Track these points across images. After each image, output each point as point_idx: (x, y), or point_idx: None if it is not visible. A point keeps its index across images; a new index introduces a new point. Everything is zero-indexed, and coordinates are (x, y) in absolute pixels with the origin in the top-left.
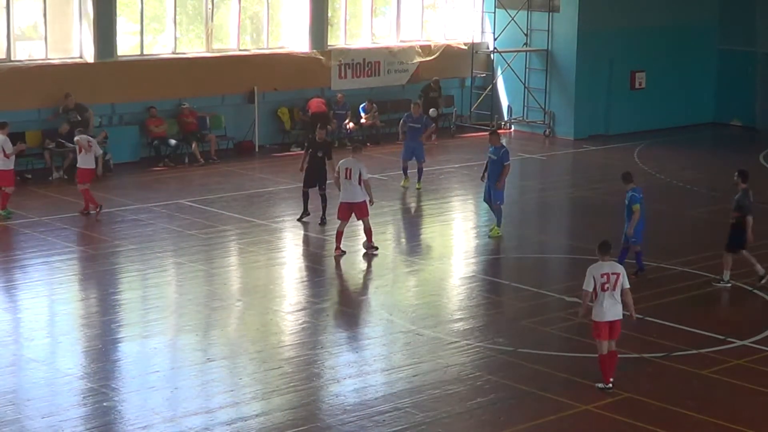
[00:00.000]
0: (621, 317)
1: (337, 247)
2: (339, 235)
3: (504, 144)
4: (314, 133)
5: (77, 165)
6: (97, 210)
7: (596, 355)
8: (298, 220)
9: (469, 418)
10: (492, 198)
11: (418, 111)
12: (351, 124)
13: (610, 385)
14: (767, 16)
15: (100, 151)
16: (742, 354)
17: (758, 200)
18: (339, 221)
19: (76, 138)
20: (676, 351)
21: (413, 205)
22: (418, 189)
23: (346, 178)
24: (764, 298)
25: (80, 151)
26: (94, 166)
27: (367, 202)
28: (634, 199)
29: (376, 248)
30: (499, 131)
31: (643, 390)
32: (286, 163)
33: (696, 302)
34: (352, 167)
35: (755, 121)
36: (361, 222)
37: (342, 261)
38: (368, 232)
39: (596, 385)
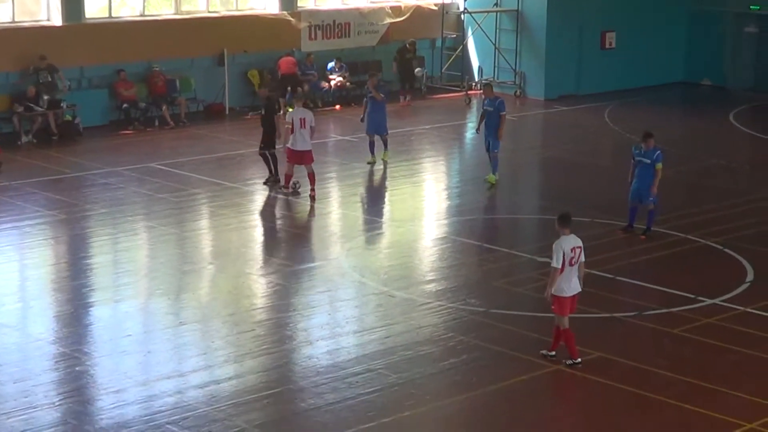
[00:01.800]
0: (579, 290)
1: (286, 185)
2: (287, 177)
3: (498, 95)
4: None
5: None
6: None
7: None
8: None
9: (442, 379)
10: (491, 146)
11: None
12: (326, 84)
13: (579, 360)
14: None
15: None
16: (713, 312)
17: (728, 160)
18: (288, 165)
19: None
20: (647, 310)
21: (382, 167)
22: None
23: (301, 127)
24: (734, 257)
25: None
26: None
27: (312, 151)
28: (659, 158)
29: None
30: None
31: (614, 349)
32: (256, 126)
33: (667, 261)
34: (306, 116)
35: (725, 80)
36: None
37: (313, 223)
38: (312, 177)
39: (565, 362)
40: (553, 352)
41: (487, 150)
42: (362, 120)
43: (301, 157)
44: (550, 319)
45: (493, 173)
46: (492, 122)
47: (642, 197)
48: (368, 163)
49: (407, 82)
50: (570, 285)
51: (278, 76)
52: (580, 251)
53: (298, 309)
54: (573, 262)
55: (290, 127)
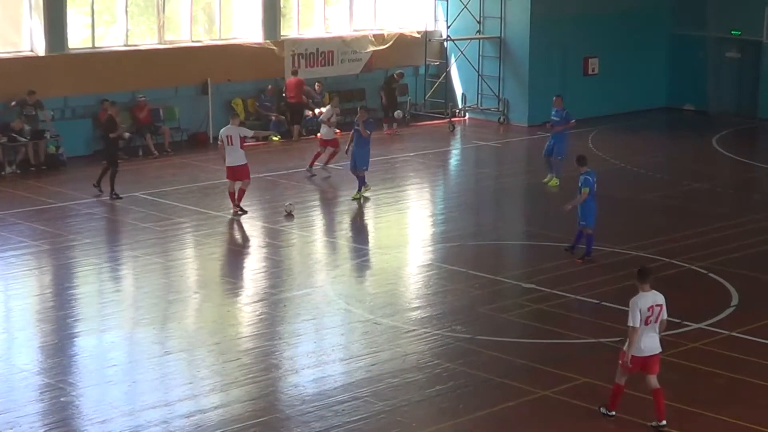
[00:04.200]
0: (660, 350)
1: (234, 206)
2: (231, 195)
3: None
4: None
5: None
6: None
7: (556, 341)
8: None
9: (429, 406)
10: (555, 152)
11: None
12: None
13: (614, 413)
14: (716, 0)
15: None
16: (698, 337)
17: (711, 185)
18: (229, 182)
19: None
20: None
21: (369, 194)
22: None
23: (228, 144)
24: (719, 281)
25: None
26: None
27: (248, 165)
28: (586, 182)
29: (244, 212)
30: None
31: (601, 375)
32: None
33: (651, 286)
34: (232, 134)
35: (707, 105)
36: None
37: (298, 251)
38: (241, 193)
39: (600, 409)
40: (613, 413)
41: (549, 155)
42: (347, 152)
43: (235, 173)
44: (536, 345)
45: (556, 177)
46: (561, 135)
47: (578, 219)
48: (353, 198)
49: (393, 111)
50: (640, 346)
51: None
52: (661, 309)
53: (284, 337)
54: (649, 321)
55: (221, 144)
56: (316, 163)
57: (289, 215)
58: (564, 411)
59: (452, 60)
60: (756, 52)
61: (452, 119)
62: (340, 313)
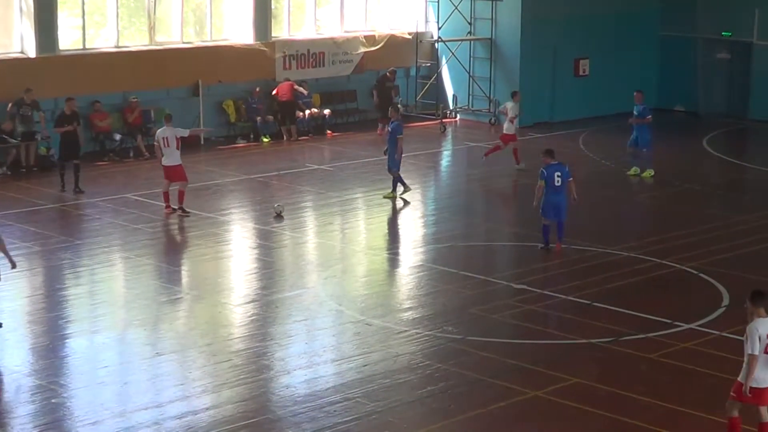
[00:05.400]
0: None
1: (167, 206)
2: (165, 195)
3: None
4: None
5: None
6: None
7: (547, 342)
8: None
9: (420, 407)
10: (639, 144)
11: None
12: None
13: None
14: (706, 1)
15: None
16: (689, 337)
17: (702, 185)
18: (164, 182)
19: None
20: (624, 336)
21: (359, 196)
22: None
23: (165, 146)
24: (710, 282)
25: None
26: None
27: (183, 166)
28: (541, 175)
29: (187, 213)
30: None
31: (591, 375)
32: (231, 156)
33: (643, 287)
34: (168, 135)
35: (698, 107)
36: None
37: (289, 253)
38: (181, 194)
39: None
40: None
41: (634, 146)
42: (384, 153)
43: (171, 173)
44: (526, 346)
45: (649, 168)
46: (643, 127)
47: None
48: (384, 197)
49: (386, 111)
50: (761, 375)
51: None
52: None
53: (276, 338)
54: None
55: (158, 145)
56: (516, 161)
57: (279, 216)
58: (555, 411)
59: (443, 61)
60: (746, 53)
61: (443, 120)
62: (332, 314)
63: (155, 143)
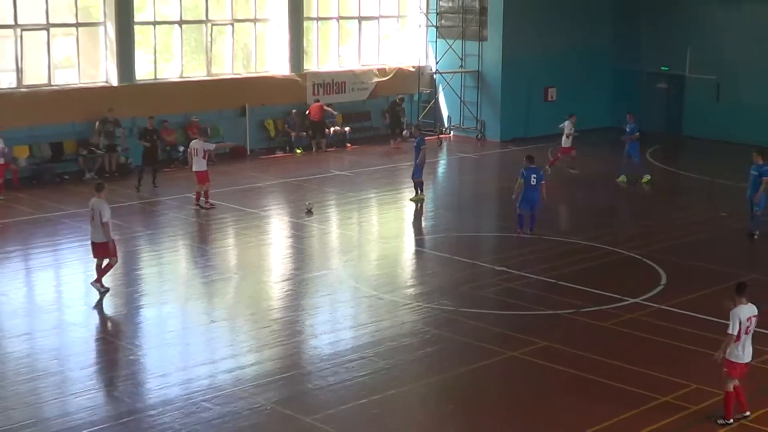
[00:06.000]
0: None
1: (197, 202)
2: (197, 195)
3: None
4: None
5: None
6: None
7: (522, 313)
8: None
9: (420, 364)
10: (753, 205)
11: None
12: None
13: (731, 421)
14: (649, 42)
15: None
16: (635, 309)
17: (648, 188)
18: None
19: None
20: (583, 308)
21: (373, 195)
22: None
23: (195, 155)
24: (651, 265)
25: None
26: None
27: (207, 172)
28: (521, 174)
29: (212, 206)
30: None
31: (557, 339)
32: (271, 164)
33: (598, 269)
34: (197, 147)
35: (642, 125)
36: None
37: (316, 241)
38: (206, 194)
39: (717, 420)
40: (731, 420)
41: (751, 208)
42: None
43: (198, 177)
44: (507, 316)
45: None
46: (755, 185)
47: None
48: (411, 200)
49: (397, 128)
50: (743, 352)
51: (309, 120)
52: (755, 320)
53: (306, 309)
54: (748, 331)
55: (190, 153)
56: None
57: (309, 212)
58: (528, 368)
59: (440, 89)
60: (680, 84)
61: (440, 136)
62: (350, 290)
63: (188, 152)
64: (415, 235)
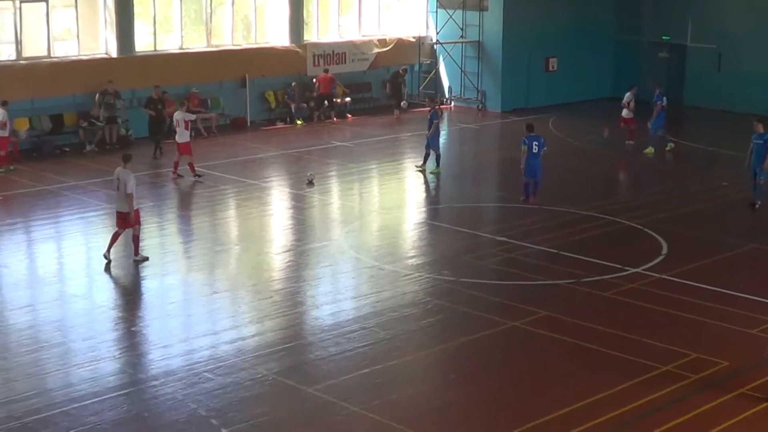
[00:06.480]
0: None
1: (174, 171)
2: (175, 164)
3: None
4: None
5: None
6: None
7: (522, 283)
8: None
9: (422, 334)
10: (757, 174)
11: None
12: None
13: None
14: (650, 11)
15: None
16: (636, 279)
17: (649, 158)
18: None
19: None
20: (583, 278)
21: (374, 166)
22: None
23: (178, 126)
24: (653, 235)
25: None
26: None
27: (190, 143)
28: (523, 142)
29: (199, 176)
30: None
31: (558, 309)
32: (272, 135)
33: (600, 239)
34: (179, 118)
35: (643, 95)
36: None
37: (317, 212)
38: (191, 166)
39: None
40: None
41: (754, 177)
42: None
43: (180, 148)
44: (507, 286)
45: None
46: (760, 153)
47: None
48: (430, 173)
49: (398, 100)
50: None
51: (318, 91)
52: None
53: (307, 280)
54: None
55: (176, 124)
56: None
57: (310, 183)
58: (529, 338)
59: (441, 59)
60: (682, 53)
61: (441, 107)
62: (352, 261)
63: (174, 123)
64: (416, 205)
